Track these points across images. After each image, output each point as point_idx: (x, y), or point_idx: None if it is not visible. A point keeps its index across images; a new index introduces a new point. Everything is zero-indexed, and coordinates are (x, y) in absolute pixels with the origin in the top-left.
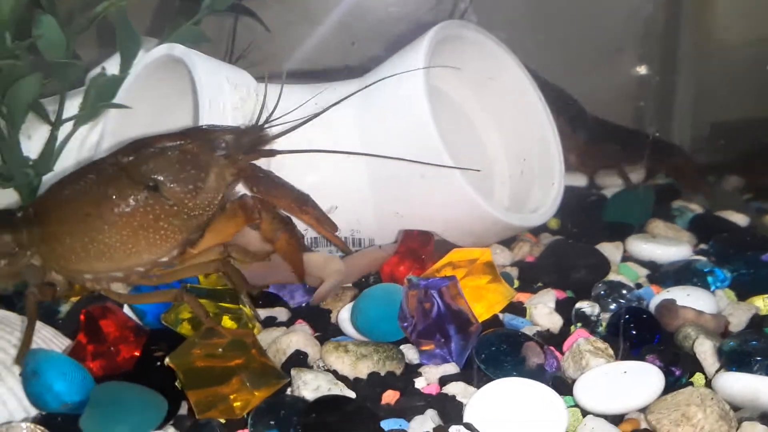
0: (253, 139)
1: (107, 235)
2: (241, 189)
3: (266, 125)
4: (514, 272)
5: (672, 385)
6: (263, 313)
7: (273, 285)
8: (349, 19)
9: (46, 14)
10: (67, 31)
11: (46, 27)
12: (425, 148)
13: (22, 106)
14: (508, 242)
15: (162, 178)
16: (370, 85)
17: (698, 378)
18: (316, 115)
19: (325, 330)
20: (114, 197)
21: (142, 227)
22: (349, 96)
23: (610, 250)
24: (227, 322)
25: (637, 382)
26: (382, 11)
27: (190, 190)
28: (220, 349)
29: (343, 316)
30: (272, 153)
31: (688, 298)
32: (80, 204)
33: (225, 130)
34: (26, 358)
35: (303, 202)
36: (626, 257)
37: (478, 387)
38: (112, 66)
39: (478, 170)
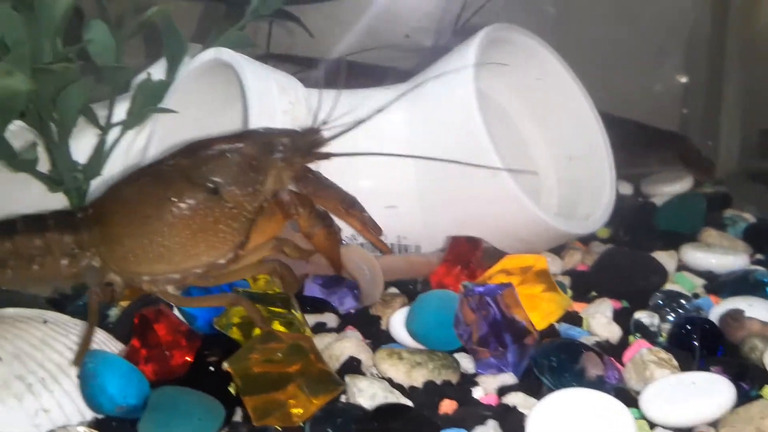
0: (309, 142)
1: (167, 237)
2: None
3: (322, 128)
4: (565, 281)
5: (741, 397)
6: (312, 318)
7: (322, 291)
8: (381, 25)
9: (96, 19)
10: (117, 35)
11: (96, 31)
12: (475, 153)
13: (73, 110)
14: (557, 250)
15: (221, 181)
16: (417, 86)
17: None
18: (362, 120)
19: (376, 336)
20: (174, 199)
21: (202, 229)
22: (398, 97)
23: (664, 259)
24: (278, 326)
25: (706, 393)
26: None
27: (249, 193)
28: (278, 354)
29: (395, 322)
30: (327, 156)
31: (751, 308)
32: (140, 206)
33: (282, 133)
34: (84, 358)
35: (350, 205)
36: (681, 266)
37: (539, 398)
38: (157, 71)
39: (535, 173)
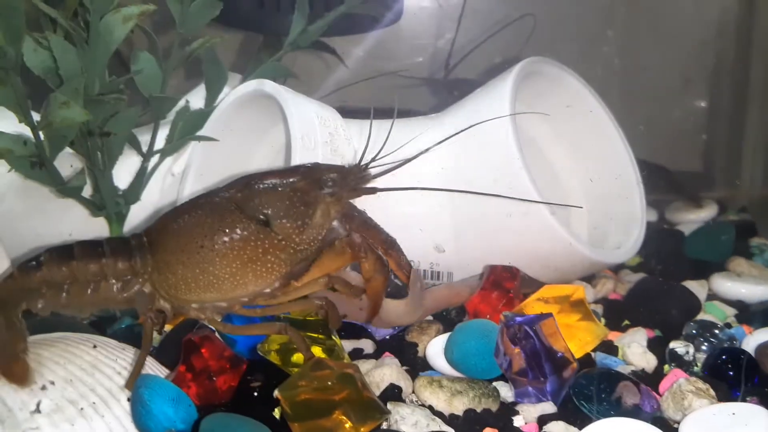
0: (356, 178)
1: (218, 266)
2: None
3: (370, 164)
4: (598, 309)
5: None
6: (348, 344)
7: None
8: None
9: (143, 50)
10: (164, 66)
11: (144, 63)
12: (513, 186)
13: (120, 138)
14: (590, 279)
15: (272, 213)
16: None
17: None
18: (408, 160)
19: (413, 364)
20: (227, 230)
21: (251, 260)
22: (444, 139)
23: (695, 288)
24: (318, 352)
25: (746, 423)
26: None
27: (298, 226)
28: (329, 383)
29: (432, 350)
30: (373, 191)
31: None
32: (193, 235)
33: (331, 169)
34: (135, 383)
35: (390, 245)
36: (711, 295)
37: (580, 427)
38: (196, 98)
39: (580, 207)
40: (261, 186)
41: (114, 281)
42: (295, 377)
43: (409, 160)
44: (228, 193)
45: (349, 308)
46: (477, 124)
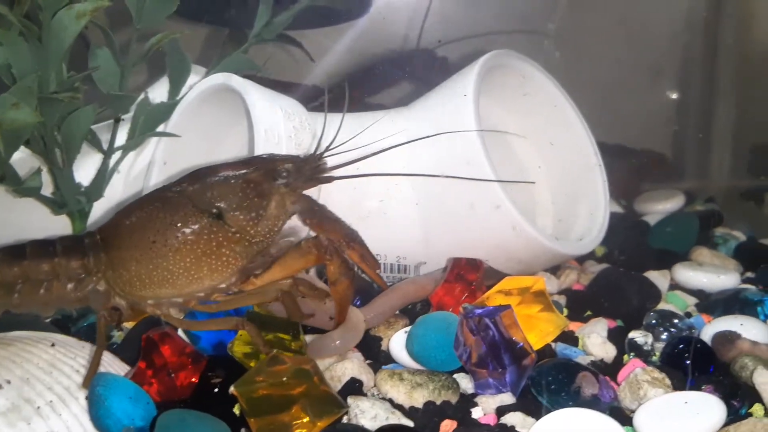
0: (311, 168)
1: (171, 261)
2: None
3: (325, 154)
4: (561, 300)
5: (732, 415)
6: (311, 339)
7: None
8: (378, 50)
9: (101, 47)
10: (123, 63)
11: (102, 59)
12: (475, 177)
13: (78, 135)
14: (554, 269)
15: (225, 206)
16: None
17: (758, 409)
18: (369, 156)
19: (376, 357)
20: (179, 225)
21: (205, 254)
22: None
23: (657, 278)
24: (285, 347)
25: (699, 412)
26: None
27: (252, 218)
28: (284, 378)
29: (395, 343)
30: (329, 180)
31: (741, 327)
32: (146, 231)
33: (285, 159)
34: (92, 381)
35: (352, 239)
36: (673, 285)
37: (537, 417)
38: (157, 91)
39: (533, 182)
40: (213, 179)
41: (67, 280)
42: (251, 373)
43: (374, 154)
44: (180, 187)
45: (320, 318)
46: (445, 133)
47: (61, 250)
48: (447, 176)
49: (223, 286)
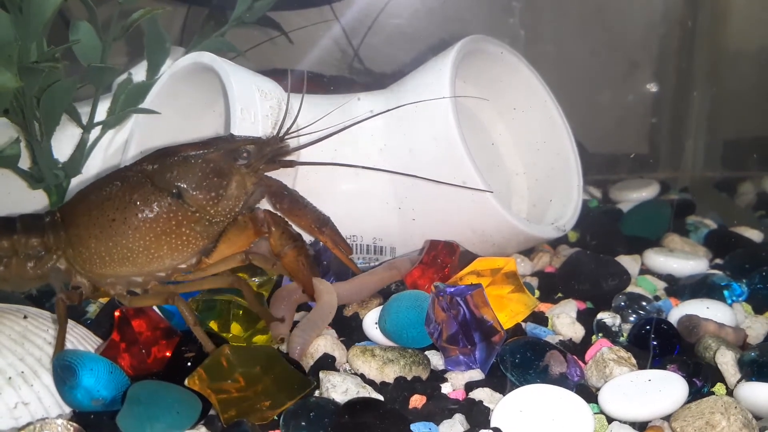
0: (274, 150)
1: (131, 240)
2: (264, 204)
3: (287, 136)
4: (534, 282)
5: (694, 394)
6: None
7: None
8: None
9: (82, 20)
10: (104, 37)
11: (82, 32)
12: (450, 159)
13: (57, 109)
14: (528, 252)
15: (185, 186)
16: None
17: (719, 388)
18: (342, 129)
19: (351, 335)
20: (138, 203)
21: (165, 233)
22: (381, 112)
23: (628, 262)
24: (236, 328)
25: (661, 390)
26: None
27: (212, 197)
28: (248, 359)
29: (369, 321)
30: (292, 164)
31: (708, 311)
32: (106, 210)
33: (247, 140)
34: (59, 356)
35: (323, 224)
36: (644, 270)
37: (504, 393)
38: (139, 72)
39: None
40: (173, 159)
41: (26, 258)
42: (216, 353)
43: (339, 131)
44: (140, 166)
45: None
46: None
47: (20, 227)
48: (424, 178)
49: (183, 266)
